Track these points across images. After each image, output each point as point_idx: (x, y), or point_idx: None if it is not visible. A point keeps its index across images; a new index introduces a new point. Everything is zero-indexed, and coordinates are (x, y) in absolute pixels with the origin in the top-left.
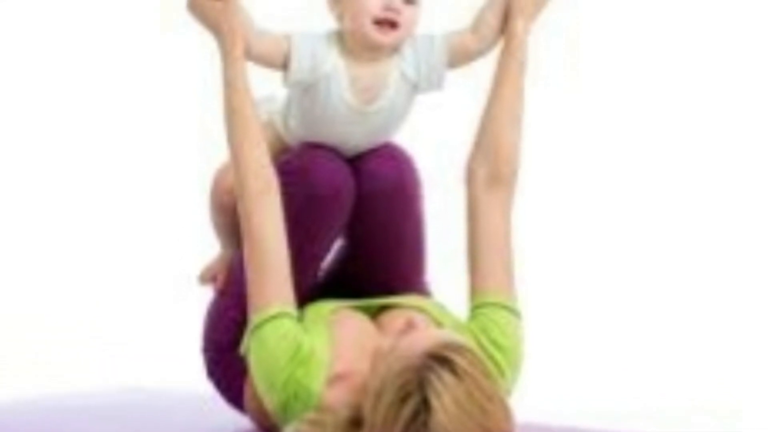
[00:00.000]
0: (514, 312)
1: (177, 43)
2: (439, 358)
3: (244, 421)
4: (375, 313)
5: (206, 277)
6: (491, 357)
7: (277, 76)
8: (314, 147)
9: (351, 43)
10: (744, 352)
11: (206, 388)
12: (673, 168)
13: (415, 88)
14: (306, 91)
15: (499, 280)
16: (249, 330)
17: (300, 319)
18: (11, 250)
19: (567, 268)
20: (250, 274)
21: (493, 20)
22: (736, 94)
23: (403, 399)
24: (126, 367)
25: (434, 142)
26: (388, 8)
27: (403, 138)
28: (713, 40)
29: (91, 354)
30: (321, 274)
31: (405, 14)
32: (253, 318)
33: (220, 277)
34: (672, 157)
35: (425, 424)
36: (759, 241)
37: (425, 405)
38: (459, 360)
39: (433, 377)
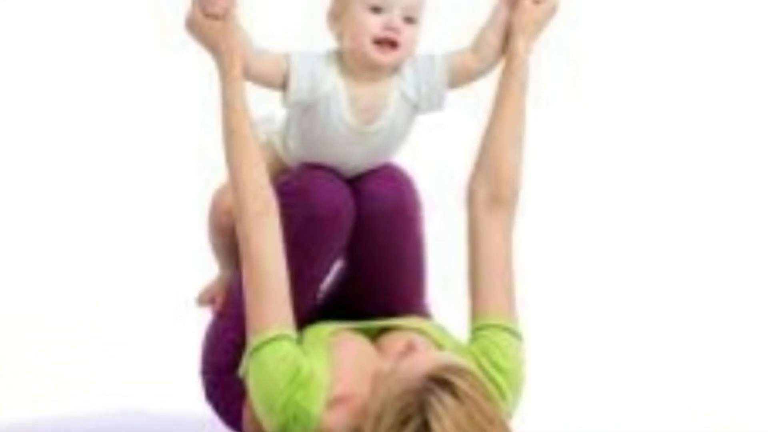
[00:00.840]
0: (516, 334)
1: (175, 63)
2: (440, 381)
3: None
4: (375, 336)
5: (205, 299)
6: (492, 379)
7: (276, 96)
8: (314, 168)
9: (351, 62)
10: (747, 379)
11: (205, 410)
12: (678, 188)
13: (415, 109)
14: (305, 112)
15: (500, 302)
16: (248, 352)
17: (299, 341)
18: (11, 251)
19: (568, 289)
20: (249, 296)
21: (494, 40)
22: (742, 110)
23: (404, 422)
24: (126, 368)
25: (434, 163)
26: (387, 27)
27: (403, 158)
28: (717, 58)
29: (90, 354)
30: (320, 296)
31: (405, 34)
32: (252, 340)
33: (219, 299)
34: (676, 177)
35: None
36: (758, 267)
37: (426, 428)
38: (460, 382)
39: (433, 400)
